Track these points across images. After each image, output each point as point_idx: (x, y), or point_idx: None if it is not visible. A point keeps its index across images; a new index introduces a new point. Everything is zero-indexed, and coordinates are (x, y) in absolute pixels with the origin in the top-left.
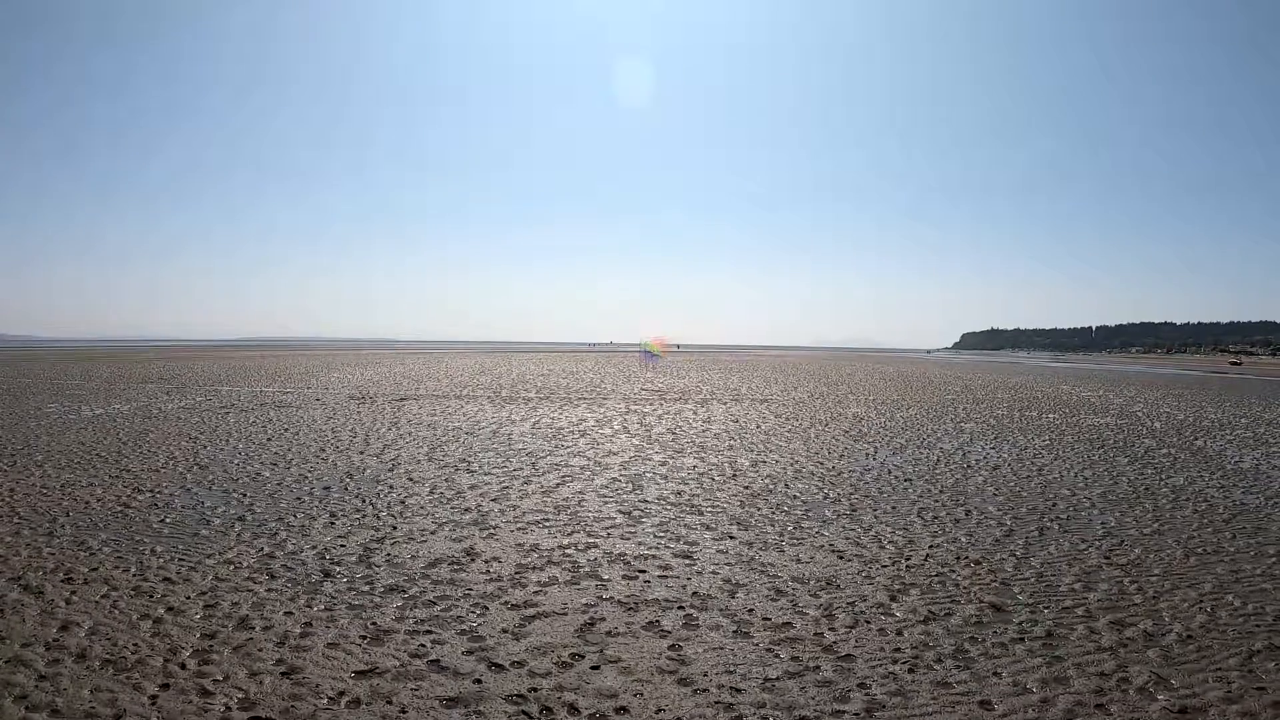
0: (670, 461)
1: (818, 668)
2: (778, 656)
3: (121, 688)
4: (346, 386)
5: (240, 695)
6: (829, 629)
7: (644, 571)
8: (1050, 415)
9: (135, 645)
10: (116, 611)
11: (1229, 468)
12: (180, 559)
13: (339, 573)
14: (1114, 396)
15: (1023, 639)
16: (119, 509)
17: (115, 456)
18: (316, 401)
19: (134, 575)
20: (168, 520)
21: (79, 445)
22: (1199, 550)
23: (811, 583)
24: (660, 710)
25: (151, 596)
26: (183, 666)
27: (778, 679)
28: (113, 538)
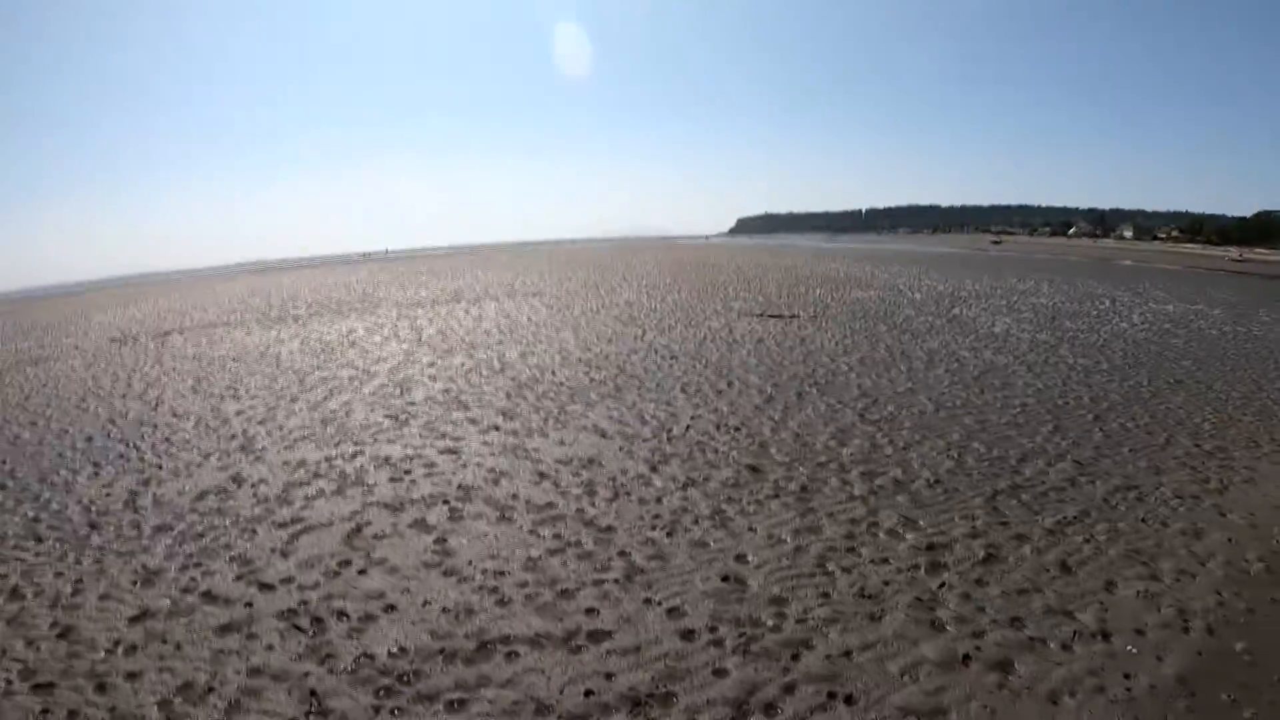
0: (439, 362)
1: (579, 542)
2: (540, 536)
3: None
4: (106, 329)
5: (19, 666)
6: (590, 505)
7: (409, 472)
8: (817, 291)
9: None
10: None
11: (982, 332)
12: None
13: (106, 523)
14: (879, 272)
15: (777, 495)
16: None
17: None
18: (75, 350)
19: None
20: None
21: None
22: (948, 405)
23: (574, 463)
24: (427, 603)
25: None
26: None
27: (540, 558)
28: None
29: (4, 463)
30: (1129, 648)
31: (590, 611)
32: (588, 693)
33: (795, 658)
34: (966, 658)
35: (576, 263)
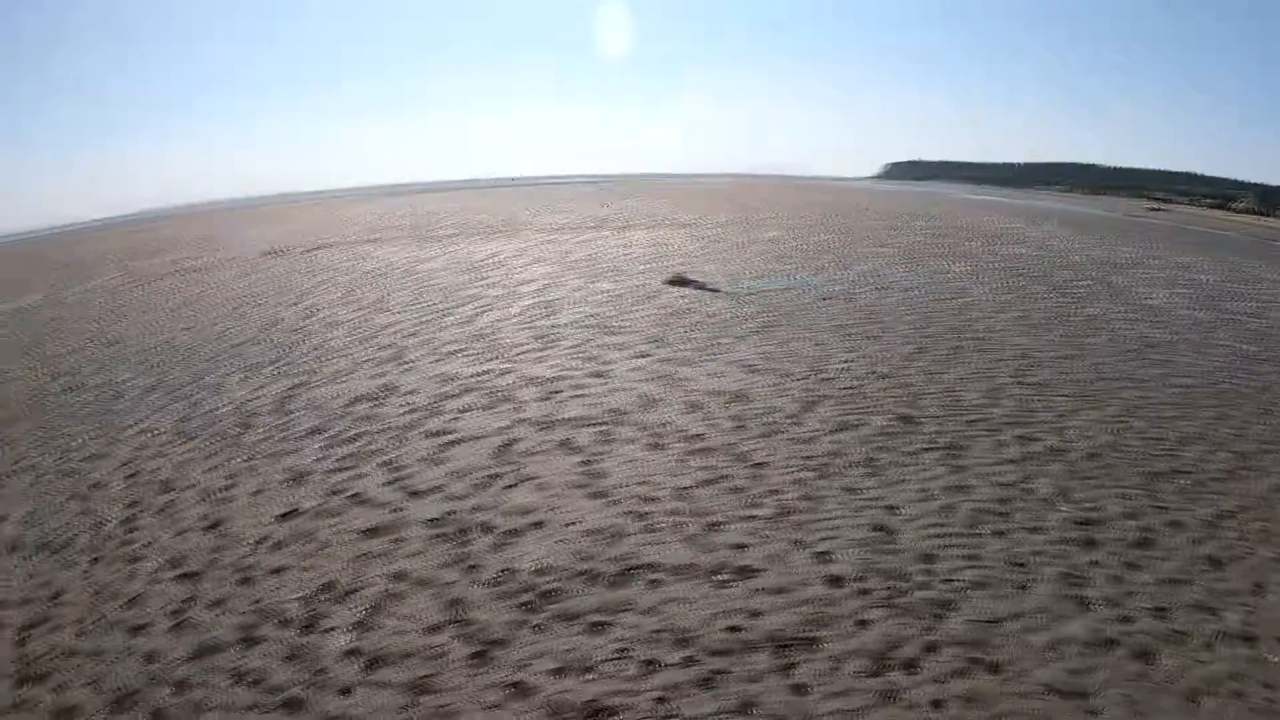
0: (587, 286)
1: (729, 476)
2: (690, 466)
3: (54, 569)
4: (258, 244)
5: (167, 556)
6: (742, 439)
7: (559, 392)
8: (970, 243)
9: (64, 525)
10: (45, 497)
11: (1140, 303)
12: (99, 435)
13: (258, 423)
14: (1033, 230)
15: (930, 449)
16: (35, 398)
17: (29, 347)
18: (229, 262)
19: (57, 460)
20: (84, 399)
21: None
22: (1108, 376)
23: (725, 396)
24: (572, 523)
25: (75, 477)
26: (109, 538)
27: (690, 487)
28: (34, 428)
29: (159, 364)
30: (1271, 656)
31: (739, 547)
32: (732, 629)
33: (939, 618)
34: (1112, 642)
35: (719, 198)
